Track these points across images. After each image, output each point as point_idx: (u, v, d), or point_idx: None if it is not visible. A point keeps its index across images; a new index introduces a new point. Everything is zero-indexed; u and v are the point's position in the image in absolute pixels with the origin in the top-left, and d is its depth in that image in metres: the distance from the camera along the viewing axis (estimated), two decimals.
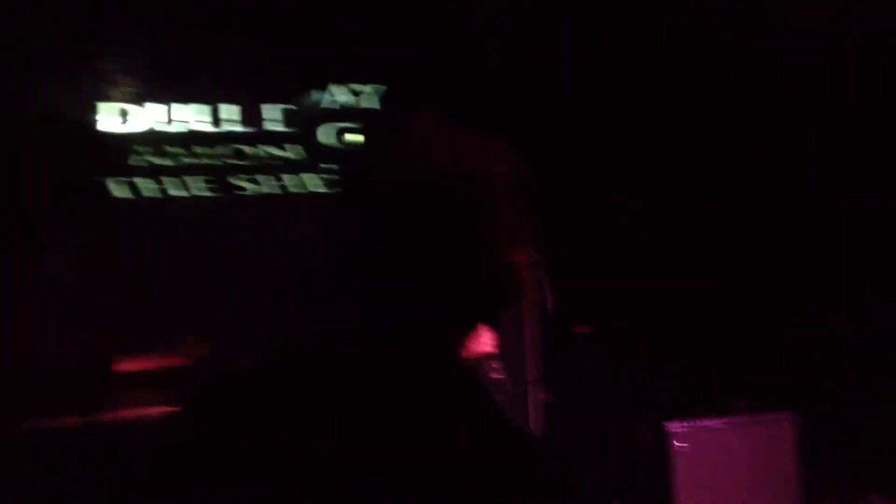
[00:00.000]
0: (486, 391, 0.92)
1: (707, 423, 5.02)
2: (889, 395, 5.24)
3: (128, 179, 4.87)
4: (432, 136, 0.94)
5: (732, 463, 4.98)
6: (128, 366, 4.56)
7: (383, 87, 5.27)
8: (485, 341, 3.67)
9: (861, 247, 5.52)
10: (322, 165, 5.13)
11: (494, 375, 3.62)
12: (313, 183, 5.13)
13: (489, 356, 3.69)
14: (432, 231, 0.91)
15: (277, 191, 5.13)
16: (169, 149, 4.95)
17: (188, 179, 4.98)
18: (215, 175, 5.05)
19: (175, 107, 4.98)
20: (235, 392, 0.96)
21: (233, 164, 5.08)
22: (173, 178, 4.96)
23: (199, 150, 5.00)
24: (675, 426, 4.99)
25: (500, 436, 0.88)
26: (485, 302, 0.96)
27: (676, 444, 4.95)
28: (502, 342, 3.82)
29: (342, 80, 5.26)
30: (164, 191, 4.93)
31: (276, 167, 5.14)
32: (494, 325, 3.79)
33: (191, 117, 5.01)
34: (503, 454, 0.86)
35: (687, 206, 5.79)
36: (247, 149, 5.09)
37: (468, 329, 0.98)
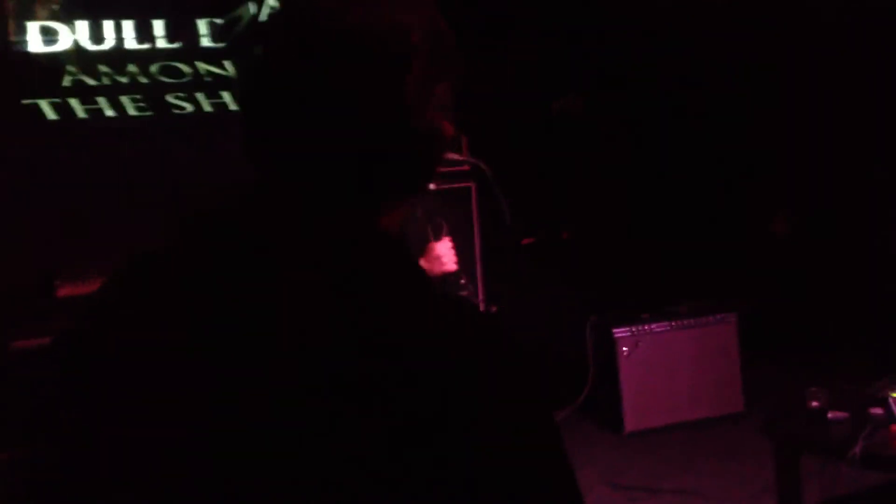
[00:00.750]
0: (415, 263, 0.90)
1: (652, 326, 5.18)
2: (825, 293, 5.48)
3: (60, 100, 4.66)
4: None
5: (677, 364, 5.17)
6: (66, 290, 4.46)
7: None
8: (447, 259, 3.67)
9: (800, 150, 5.67)
10: None
11: (462, 293, 3.63)
12: None
13: (453, 274, 3.69)
14: (354, 85, 0.87)
15: (214, 109, 4.97)
16: (100, 68, 4.73)
17: (122, 99, 4.79)
18: (150, 94, 4.86)
19: (106, 23, 4.73)
20: (152, 271, 0.93)
21: (168, 82, 4.89)
22: (106, 98, 4.75)
23: (131, 68, 4.79)
24: (620, 331, 5.13)
25: (433, 301, 0.86)
26: (409, 165, 0.93)
27: (623, 348, 5.10)
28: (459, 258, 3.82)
29: None
30: (97, 111, 4.74)
31: (212, 84, 4.96)
32: (453, 240, 3.79)
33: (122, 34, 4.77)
34: (439, 320, 0.83)
35: (628, 113, 5.84)
36: (182, 66, 4.90)
37: (394, 198, 0.94)
